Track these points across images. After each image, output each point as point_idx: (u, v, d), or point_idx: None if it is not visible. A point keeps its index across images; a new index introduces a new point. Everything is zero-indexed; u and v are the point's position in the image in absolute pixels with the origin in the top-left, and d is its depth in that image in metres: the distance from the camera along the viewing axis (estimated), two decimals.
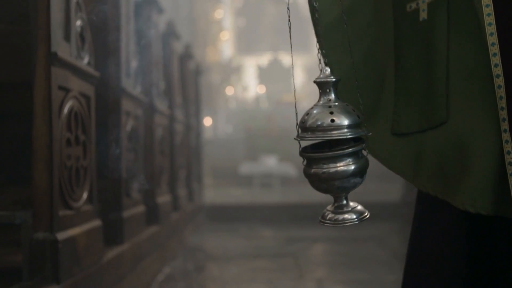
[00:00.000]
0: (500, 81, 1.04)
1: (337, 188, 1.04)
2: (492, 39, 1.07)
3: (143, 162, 2.99)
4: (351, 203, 1.08)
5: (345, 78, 1.21)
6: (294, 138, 1.06)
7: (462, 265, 1.19)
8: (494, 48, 1.06)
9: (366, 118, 1.23)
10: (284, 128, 9.87)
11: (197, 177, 5.59)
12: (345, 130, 1.01)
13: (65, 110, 1.84)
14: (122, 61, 2.58)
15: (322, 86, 1.05)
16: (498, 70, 1.05)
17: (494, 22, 1.06)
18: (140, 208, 2.90)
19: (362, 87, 1.26)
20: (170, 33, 4.13)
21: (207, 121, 9.64)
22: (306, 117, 1.03)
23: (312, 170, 1.04)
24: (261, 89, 13.24)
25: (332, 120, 1.01)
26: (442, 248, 1.21)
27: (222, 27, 14.21)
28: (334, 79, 1.05)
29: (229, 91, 12.98)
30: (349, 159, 1.03)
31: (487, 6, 1.05)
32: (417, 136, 1.20)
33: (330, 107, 1.03)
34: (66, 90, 1.86)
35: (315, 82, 1.07)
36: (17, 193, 1.77)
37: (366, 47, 1.30)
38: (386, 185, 6.22)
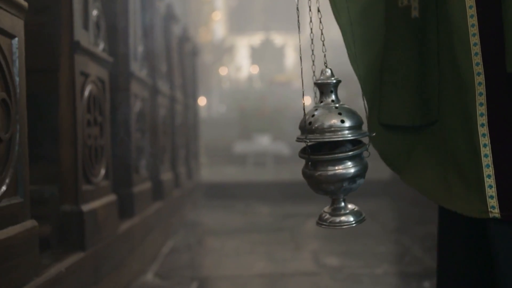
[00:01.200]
0: (480, 79, 1.07)
1: (344, 190, 1.03)
2: (475, 39, 1.08)
3: (149, 141, 3.16)
4: (349, 205, 1.07)
5: (367, 71, 1.26)
6: (298, 140, 1.04)
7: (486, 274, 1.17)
8: (476, 47, 1.08)
9: (368, 111, 1.28)
10: (277, 108, 10.04)
11: (194, 156, 5.76)
12: (353, 131, 1.00)
13: (86, 93, 2.00)
14: (130, 46, 2.74)
15: (323, 87, 1.04)
16: (479, 68, 1.07)
17: (476, 23, 1.08)
18: (147, 185, 3.07)
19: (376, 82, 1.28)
20: (170, 17, 4.26)
21: (202, 101, 9.77)
22: (311, 119, 1.02)
23: (319, 172, 1.03)
24: (254, 69, 13.35)
25: (342, 121, 1.00)
26: (468, 260, 1.21)
27: (214, 7, 14.24)
28: (335, 81, 1.04)
29: (223, 71, 13.09)
30: (356, 160, 1.02)
31: (470, 7, 1.08)
32: (410, 131, 1.22)
33: (336, 108, 1.02)
34: (86, 75, 2.02)
35: (315, 83, 1.05)
36: (44, 169, 1.94)
37: (380, 46, 1.29)
38: (376, 163, 6.43)
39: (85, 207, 1.92)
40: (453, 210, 1.09)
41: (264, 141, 8.93)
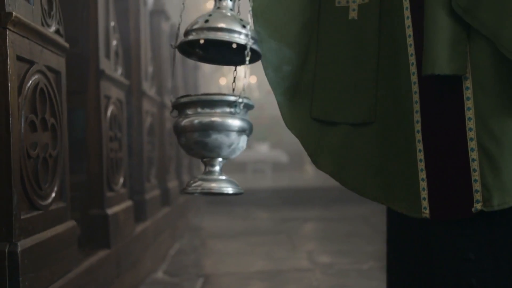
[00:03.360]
0: (416, 88, 1.12)
1: (196, 143, 0.89)
2: (411, 50, 1.12)
3: (158, 153, 3.49)
4: (225, 175, 0.94)
5: (278, 56, 1.22)
6: (170, 44, 0.97)
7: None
8: (412, 58, 1.12)
9: (290, 95, 1.24)
10: (275, 116, 10.35)
11: (197, 164, 6.08)
12: (215, 32, 0.88)
13: (108, 113, 2.33)
14: (142, 68, 3.07)
15: None
16: (414, 78, 1.11)
17: (411, 25, 1.12)
18: (157, 192, 3.40)
19: (289, 61, 1.27)
20: (174, 36, 4.59)
21: None
22: (208, 17, 0.93)
23: (176, 120, 0.91)
24: (253, 79, 13.69)
25: (206, 21, 0.90)
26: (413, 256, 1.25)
27: None
28: None
29: (222, 81, 13.42)
30: (214, 110, 0.88)
31: (408, 18, 1.15)
32: (342, 129, 1.22)
33: (212, 13, 0.92)
34: (108, 97, 2.35)
35: None
36: (74, 178, 2.26)
37: (301, 26, 1.27)
38: None
39: (109, 211, 2.24)
40: (398, 210, 1.19)
41: (263, 149, 9.25)
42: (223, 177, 0.94)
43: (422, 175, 1.12)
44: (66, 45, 1.76)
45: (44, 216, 1.54)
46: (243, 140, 0.93)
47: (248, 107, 1.01)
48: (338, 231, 4.35)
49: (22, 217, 1.39)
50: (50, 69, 1.64)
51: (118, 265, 2.31)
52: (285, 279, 2.88)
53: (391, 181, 1.18)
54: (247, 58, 0.94)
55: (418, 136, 1.12)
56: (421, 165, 1.12)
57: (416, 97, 1.12)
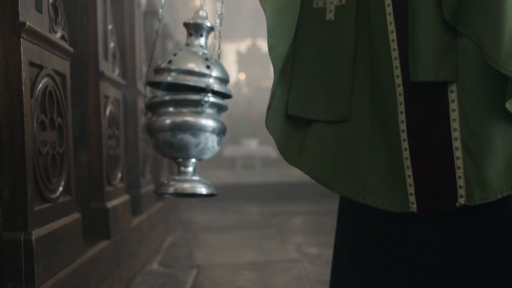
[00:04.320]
0: (400, 90, 1.15)
1: (164, 144, 0.83)
2: (395, 54, 1.15)
3: (152, 149, 3.62)
4: (198, 175, 0.87)
5: (281, 58, 1.21)
6: (144, 83, 0.86)
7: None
8: (396, 61, 1.15)
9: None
10: (264, 113, 10.41)
11: None
12: (178, 75, 0.83)
13: (107, 112, 2.46)
14: (137, 68, 3.19)
15: (194, 28, 0.88)
16: (399, 80, 1.15)
17: (395, 30, 1.15)
18: (151, 187, 3.52)
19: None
20: (166, 36, 4.72)
21: None
22: (172, 57, 0.86)
23: (150, 118, 0.85)
24: (242, 76, 13.79)
25: (170, 61, 0.84)
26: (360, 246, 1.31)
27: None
28: (209, 24, 0.84)
29: None
30: (180, 110, 0.84)
31: (390, 23, 1.17)
32: (316, 125, 1.26)
33: (178, 51, 0.83)
34: (107, 97, 2.47)
35: (185, 24, 0.87)
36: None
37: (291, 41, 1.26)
38: None
39: (109, 204, 2.38)
40: (372, 205, 1.23)
41: (252, 145, 9.36)
42: (196, 178, 0.88)
43: (409, 172, 1.17)
44: (71, 49, 1.89)
45: (53, 208, 1.67)
46: (212, 140, 0.90)
47: (219, 107, 0.98)
48: (325, 224, 4.48)
49: (35, 208, 1.51)
50: (57, 72, 1.77)
51: (118, 255, 2.44)
52: (275, 269, 3.03)
53: (365, 177, 1.23)
54: (207, 100, 0.90)
55: (404, 136, 1.17)
56: (407, 163, 1.17)
57: (400, 99, 1.16)
